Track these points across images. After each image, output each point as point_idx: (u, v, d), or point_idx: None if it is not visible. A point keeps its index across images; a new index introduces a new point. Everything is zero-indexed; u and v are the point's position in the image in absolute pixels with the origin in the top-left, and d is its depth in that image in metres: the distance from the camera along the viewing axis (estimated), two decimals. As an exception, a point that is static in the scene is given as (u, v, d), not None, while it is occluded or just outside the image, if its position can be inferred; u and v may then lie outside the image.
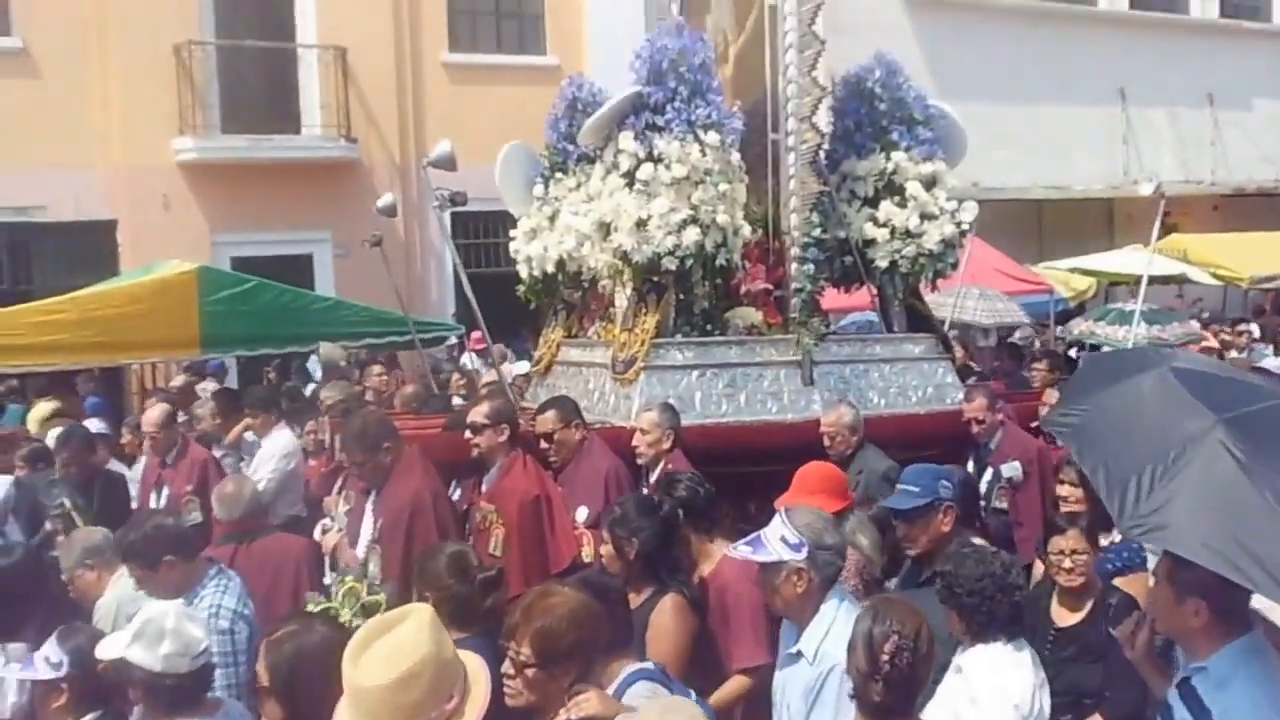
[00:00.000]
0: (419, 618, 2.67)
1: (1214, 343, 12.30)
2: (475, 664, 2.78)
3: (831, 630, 3.66)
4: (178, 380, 11.45)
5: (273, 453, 7.54)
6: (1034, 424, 6.78)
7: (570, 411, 5.83)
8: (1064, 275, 16.27)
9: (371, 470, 5.40)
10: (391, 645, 2.60)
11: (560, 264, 7.06)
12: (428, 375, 9.17)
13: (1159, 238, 17.91)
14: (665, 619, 4.19)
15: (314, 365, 12.80)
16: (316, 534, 6.27)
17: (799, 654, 3.72)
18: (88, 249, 13.77)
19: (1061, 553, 4.37)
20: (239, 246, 14.29)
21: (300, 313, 9.88)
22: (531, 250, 7.25)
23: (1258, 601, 3.28)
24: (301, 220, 14.94)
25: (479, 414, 5.62)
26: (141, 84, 14.00)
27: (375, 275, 12.73)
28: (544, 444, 5.77)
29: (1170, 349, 7.53)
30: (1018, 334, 13.14)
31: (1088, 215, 19.77)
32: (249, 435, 8.05)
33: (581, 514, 5.52)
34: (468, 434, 5.61)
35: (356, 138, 15.46)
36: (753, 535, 3.83)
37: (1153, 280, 16.87)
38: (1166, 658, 3.54)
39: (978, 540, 4.80)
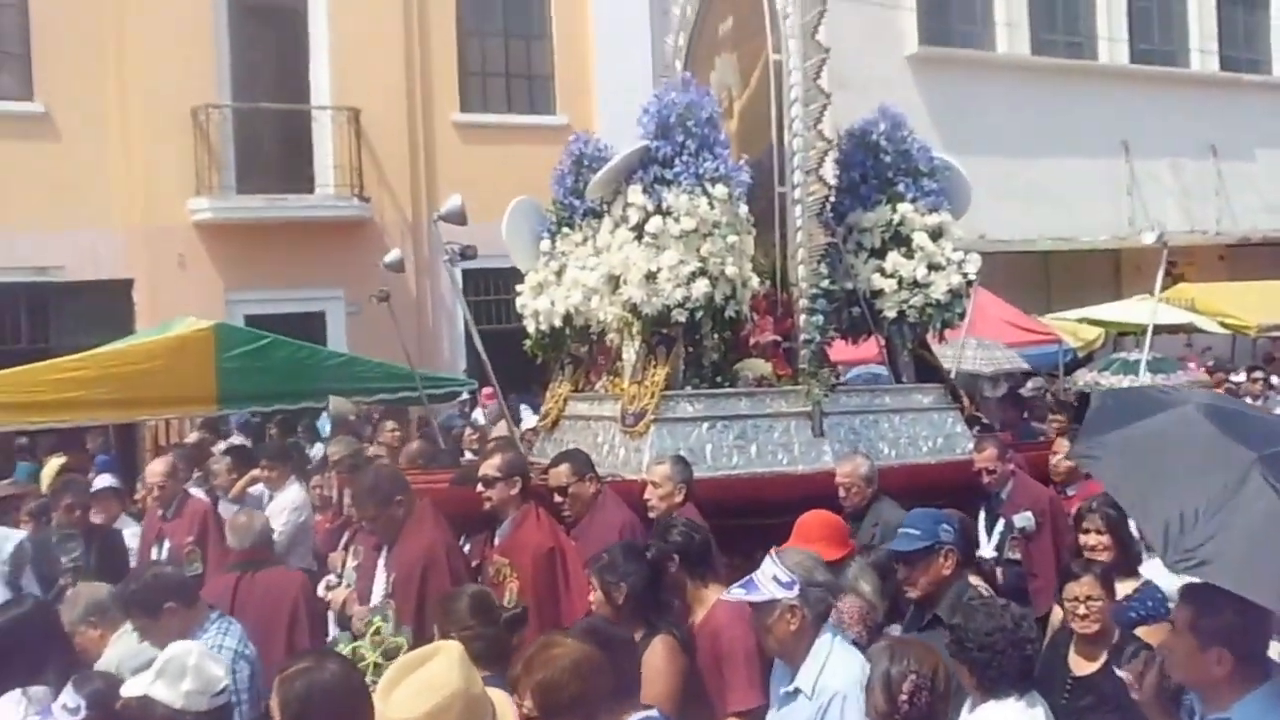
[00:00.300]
0: (449, 654, 2.70)
1: (1221, 391, 12.19)
2: (503, 699, 2.82)
3: (827, 665, 3.71)
4: (192, 436, 11.43)
5: (285, 505, 7.51)
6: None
7: (584, 465, 5.78)
8: (1072, 326, 16.23)
9: (384, 525, 5.37)
10: (422, 681, 2.62)
11: (567, 318, 7.04)
12: (434, 430, 9.10)
13: (1164, 287, 18.14)
14: (657, 661, 4.18)
15: (324, 422, 12.78)
16: (320, 590, 6.23)
17: (796, 691, 3.73)
18: (104, 308, 13.84)
19: (1076, 599, 4.32)
20: (253, 304, 14.33)
21: (314, 369, 9.90)
22: (538, 305, 7.24)
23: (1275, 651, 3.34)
24: (315, 278, 14.99)
25: (491, 467, 5.56)
26: (159, 146, 14.15)
27: (387, 332, 12.73)
28: (558, 498, 5.71)
29: (1201, 390, 7.42)
30: (1029, 384, 13.05)
31: (1094, 266, 19.74)
32: (254, 489, 8.01)
33: (595, 571, 5.45)
34: (479, 487, 5.56)
35: (369, 197, 15.54)
36: (745, 578, 3.85)
37: (1160, 330, 16.87)
38: (1176, 702, 3.46)
39: (974, 580, 4.85)
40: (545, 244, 7.33)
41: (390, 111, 15.61)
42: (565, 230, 7.19)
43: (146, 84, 14.09)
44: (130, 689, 3.42)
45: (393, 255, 7.63)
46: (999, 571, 6.37)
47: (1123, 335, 16.74)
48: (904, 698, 3.17)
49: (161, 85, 14.06)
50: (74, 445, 10.86)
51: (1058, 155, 18.93)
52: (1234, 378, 13.67)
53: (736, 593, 3.85)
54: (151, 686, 3.31)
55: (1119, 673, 3.75)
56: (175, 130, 14.18)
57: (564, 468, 5.74)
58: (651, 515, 5.78)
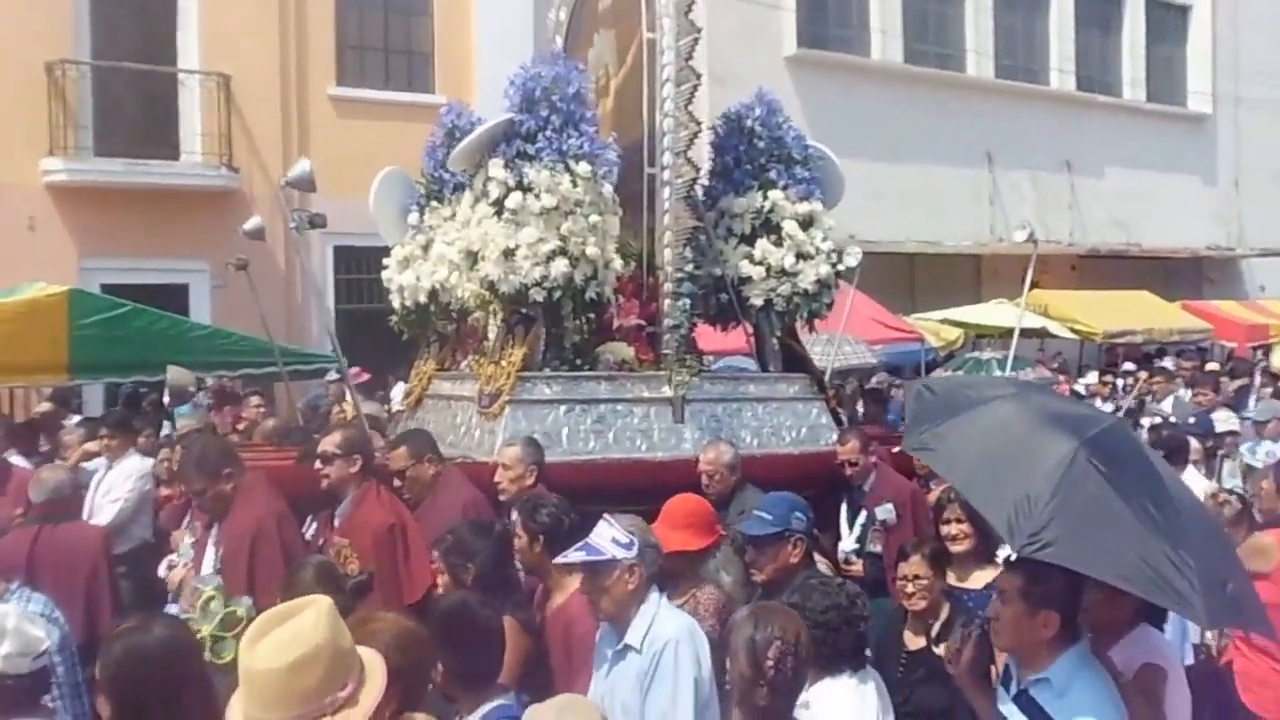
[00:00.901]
0: (318, 608, 2.63)
1: (1066, 389, 12.45)
2: (372, 657, 2.71)
3: (656, 619, 3.73)
4: (43, 407, 10.62)
5: (127, 473, 7.00)
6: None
7: (423, 446, 5.45)
8: (935, 326, 16.45)
9: (212, 500, 5.00)
10: (289, 633, 2.56)
11: (433, 294, 6.63)
12: (290, 406, 8.60)
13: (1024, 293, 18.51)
14: None
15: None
16: (161, 569, 5.76)
17: (625, 649, 3.73)
18: (-55, 270, 12.83)
19: (905, 578, 4.39)
20: (110, 274, 13.48)
21: (176, 340, 9.35)
22: (404, 280, 6.82)
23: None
24: (178, 249, 14.18)
25: (330, 444, 5.20)
26: (10, 102, 13.22)
27: (254, 308, 12.13)
28: (397, 481, 5.38)
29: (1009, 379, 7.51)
30: (875, 379, 13.09)
31: (957, 269, 20.04)
32: (93, 463, 7.42)
33: (437, 552, 5.12)
34: (318, 464, 5.17)
35: (238, 167, 14.81)
36: (580, 542, 3.80)
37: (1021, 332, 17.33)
38: (987, 678, 3.56)
39: (822, 565, 4.85)
40: (413, 217, 6.91)
41: (263, 80, 14.93)
42: (434, 204, 6.78)
43: (-2, 36, 13.11)
44: None
45: (252, 222, 7.12)
46: (860, 563, 6.26)
47: (980, 337, 17.03)
48: (770, 663, 3.14)
49: (14, 36, 13.13)
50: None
51: (926, 161, 19.20)
52: (1084, 380, 13.90)
53: (576, 555, 3.77)
54: None
55: (936, 650, 3.95)
56: (28, 86, 13.29)
57: (402, 450, 5.44)
58: (501, 498, 5.49)
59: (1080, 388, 13.65)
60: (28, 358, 8.62)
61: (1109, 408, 11.18)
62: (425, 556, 5.02)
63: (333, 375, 12.18)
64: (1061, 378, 13.89)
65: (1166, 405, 11.76)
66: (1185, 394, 12.03)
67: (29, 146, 13.37)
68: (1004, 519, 3.23)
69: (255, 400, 9.80)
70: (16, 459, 7.30)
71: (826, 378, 7.36)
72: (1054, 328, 17.25)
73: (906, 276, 19.53)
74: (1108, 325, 17.33)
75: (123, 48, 14.26)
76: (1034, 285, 19.35)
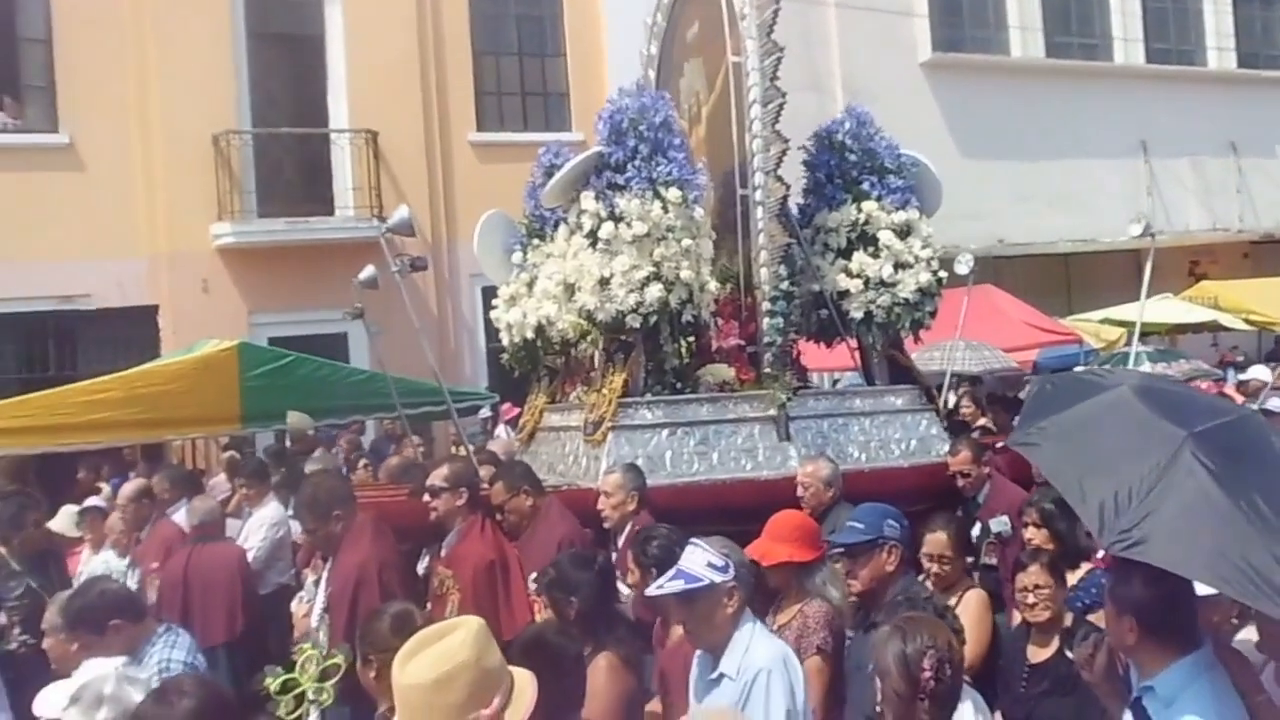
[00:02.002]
0: (468, 628, 2.73)
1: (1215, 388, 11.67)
2: (524, 677, 2.79)
3: (751, 647, 3.59)
4: (223, 457, 11.22)
5: (262, 522, 7.31)
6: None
7: (518, 478, 5.58)
8: (1094, 327, 15.72)
9: (323, 539, 5.16)
10: (438, 651, 2.66)
11: (539, 329, 6.77)
12: (458, 444, 8.84)
13: (1186, 286, 17.54)
14: (599, 679, 3.91)
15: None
16: (293, 605, 6.00)
17: (720, 677, 3.60)
18: (130, 334, 13.76)
19: (1025, 589, 4.27)
20: (276, 327, 14.18)
21: (337, 386, 9.66)
22: (511, 317, 6.99)
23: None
24: (336, 299, 14.67)
25: (437, 477, 5.37)
26: (182, 173, 14.06)
27: (409, 352, 12.53)
28: (499, 515, 5.51)
29: (1136, 371, 7.15)
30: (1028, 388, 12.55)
31: (1115, 267, 19.12)
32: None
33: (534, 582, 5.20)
34: (426, 497, 5.33)
35: (388, 217, 15.37)
36: (671, 571, 3.65)
37: (1185, 328, 16.41)
38: (1127, 683, 3.32)
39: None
40: (517, 256, 7.08)
41: (407, 133, 15.44)
42: (536, 242, 6.93)
43: (168, 113, 14.01)
44: (42, 708, 3.27)
45: (366, 273, 7.40)
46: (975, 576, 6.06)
47: (1145, 335, 16.21)
48: (927, 674, 3.02)
49: (183, 113, 13.98)
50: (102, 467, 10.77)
51: (1075, 157, 18.39)
52: (1248, 374, 13.04)
53: (672, 584, 3.60)
54: (65, 713, 3.15)
55: (1070, 655, 3.73)
56: (197, 157, 14.09)
57: (498, 485, 5.58)
58: (605, 525, 5.57)
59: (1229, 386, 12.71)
60: (205, 410, 9.03)
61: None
62: (524, 592, 5.10)
63: (486, 412, 12.59)
64: (1232, 372, 13.00)
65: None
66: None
67: (200, 213, 14.18)
68: (1095, 514, 3.06)
69: (416, 440, 10.08)
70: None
71: (945, 385, 7.16)
72: (1226, 320, 16.17)
73: (1062, 278, 18.78)
74: (1289, 314, 16.14)
75: (279, 114, 15.06)
76: (1201, 277, 18.55)
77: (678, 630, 4.20)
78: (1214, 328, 16.25)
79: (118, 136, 13.96)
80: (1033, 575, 4.26)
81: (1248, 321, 16.32)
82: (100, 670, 3.33)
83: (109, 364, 12.12)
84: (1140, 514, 2.95)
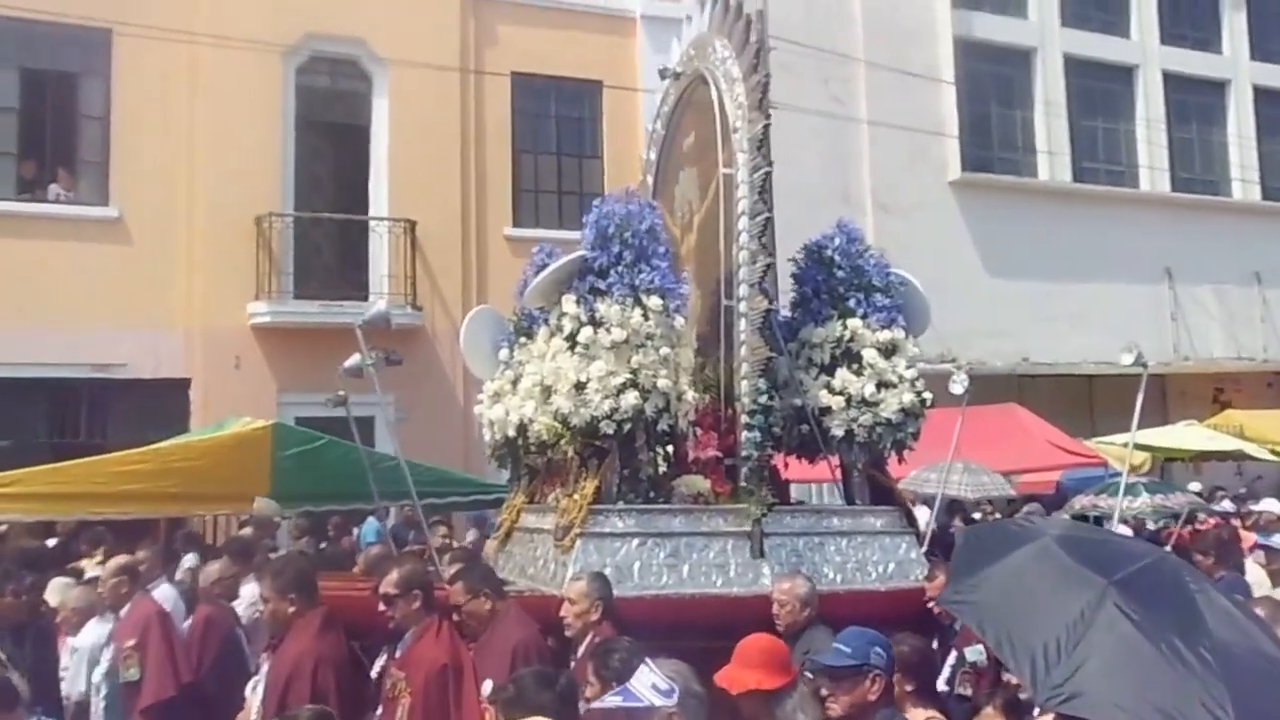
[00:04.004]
0: None
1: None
2: None
3: None
4: (244, 532, 11.00)
5: (247, 599, 7.07)
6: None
7: (478, 581, 5.30)
8: (1119, 450, 15.21)
9: (270, 614, 4.95)
10: None
11: (521, 428, 6.53)
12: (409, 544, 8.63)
13: (1211, 414, 17.02)
14: None
15: (369, 528, 12.36)
16: (247, 691, 5.73)
17: None
18: (161, 406, 13.66)
19: None
20: (304, 407, 13.94)
21: (368, 471, 9.52)
22: (494, 414, 6.76)
23: None
24: (366, 384, 14.70)
25: (388, 584, 5.05)
26: (223, 251, 14.13)
27: (434, 439, 12.36)
28: (456, 615, 5.22)
29: (1059, 520, 6.94)
30: (1025, 509, 12.14)
31: (1137, 390, 18.63)
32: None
33: (487, 687, 4.87)
34: (381, 607, 5.06)
35: (422, 306, 15.33)
36: (620, 687, 3.53)
37: (1210, 455, 15.87)
38: None
39: (931, 714, 4.50)
40: (504, 353, 6.89)
41: (445, 224, 15.48)
42: (523, 340, 6.74)
43: (214, 192, 14.14)
44: None
45: (352, 361, 7.23)
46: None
47: (1170, 460, 15.67)
48: None
49: (228, 193, 14.10)
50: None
51: (1100, 280, 18.13)
52: (1258, 507, 12.49)
53: (612, 700, 3.45)
54: None
55: None
56: (239, 237, 14.16)
57: (458, 585, 5.31)
58: (567, 634, 5.26)
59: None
60: (236, 487, 8.94)
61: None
62: (475, 698, 4.83)
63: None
64: (1225, 504, 12.45)
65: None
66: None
67: (238, 291, 14.20)
68: (1028, 670, 3.05)
69: (441, 530, 9.83)
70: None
71: (937, 506, 6.82)
72: (1251, 449, 15.63)
73: (1086, 399, 18.30)
74: (1317, 445, 15.56)
75: (321, 199, 15.18)
76: (1225, 405, 18.01)
77: None
78: (1239, 456, 15.76)
79: (165, 212, 14.06)
80: (987, 717, 4.12)
81: (1273, 452, 15.79)
82: None
83: (139, 434, 12.05)
84: (1071, 668, 2.96)
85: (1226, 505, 13.48)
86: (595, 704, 3.71)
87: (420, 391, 14.50)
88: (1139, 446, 15.49)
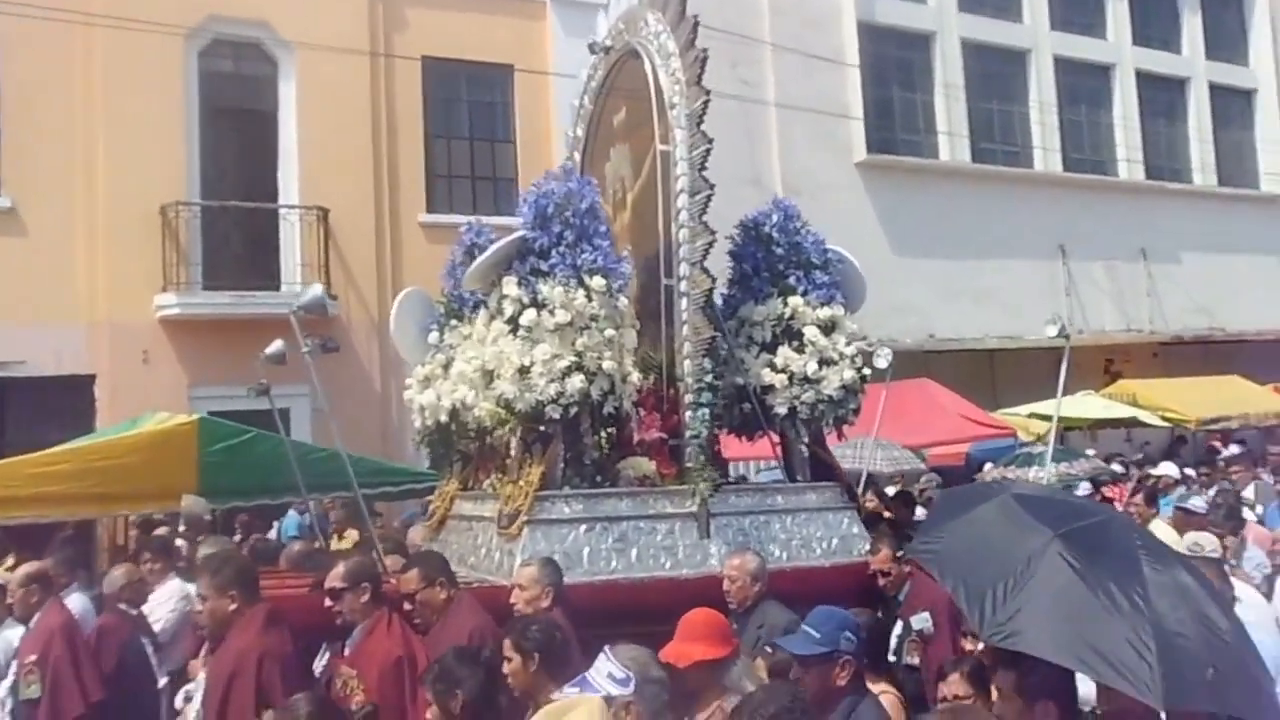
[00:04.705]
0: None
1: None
2: None
3: None
4: (160, 531, 10.47)
5: (167, 597, 6.73)
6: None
7: (434, 569, 5.07)
8: (1023, 421, 15.55)
9: (209, 613, 4.65)
10: None
11: (454, 413, 6.28)
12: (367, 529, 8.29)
13: (1104, 384, 17.48)
14: None
15: (290, 521, 11.96)
16: (179, 700, 5.40)
17: None
18: (64, 403, 12.94)
19: (944, 699, 4.07)
20: (216, 401, 13.34)
21: (299, 463, 8.95)
22: (424, 399, 6.50)
23: None
24: (280, 375, 14.08)
25: (335, 578, 4.83)
26: (126, 242, 13.43)
27: (353, 430, 11.90)
28: (407, 605, 4.99)
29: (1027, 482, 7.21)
30: (922, 480, 12.32)
31: (1037, 363, 19.02)
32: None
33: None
34: (328, 601, 4.80)
35: (336, 295, 14.83)
36: (577, 676, 3.46)
37: (1104, 423, 16.31)
38: None
39: (883, 687, 4.46)
40: (434, 337, 6.61)
41: (358, 211, 14.99)
42: (454, 323, 6.48)
43: (115, 181, 13.42)
44: None
45: (273, 348, 6.91)
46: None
47: (1069, 429, 16.05)
48: None
49: (130, 183, 13.41)
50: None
51: (1000, 257, 18.46)
52: (1158, 470, 12.84)
53: (569, 691, 3.39)
54: None
55: None
56: (143, 227, 13.49)
57: (413, 573, 5.07)
58: (515, 621, 5.07)
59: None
60: (161, 484, 8.50)
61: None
62: (429, 692, 4.66)
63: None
64: (1126, 469, 12.79)
65: (1249, 492, 10.81)
66: (1268, 480, 11.06)
67: (144, 284, 13.53)
68: (976, 610, 3.33)
69: (378, 521, 9.47)
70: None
71: (863, 484, 6.78)
72: (1144, 416, 16.14)
73: (988, 373, 18.62)
74: (1201, 412, 16.11)
75: (228, 187, 14.52)
76: (1117, 375, 18.53)
77: None
78: (1133, 423, 16.28)
79: (63, 202, 13.32)
80: (953, 685, 4.00)
81: (1164, 419, 16.32)
82: None
83: (41, 434, 11.36)
84: (1014, 608, 3.23)
85: (1118, 469, 13.84)
86: (554, 695, 3.64)
87: (338, 381, 14.04)
88: (1040, 416, 15.93)
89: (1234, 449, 14.98)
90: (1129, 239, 19.62)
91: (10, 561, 8.51)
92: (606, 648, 3.50)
